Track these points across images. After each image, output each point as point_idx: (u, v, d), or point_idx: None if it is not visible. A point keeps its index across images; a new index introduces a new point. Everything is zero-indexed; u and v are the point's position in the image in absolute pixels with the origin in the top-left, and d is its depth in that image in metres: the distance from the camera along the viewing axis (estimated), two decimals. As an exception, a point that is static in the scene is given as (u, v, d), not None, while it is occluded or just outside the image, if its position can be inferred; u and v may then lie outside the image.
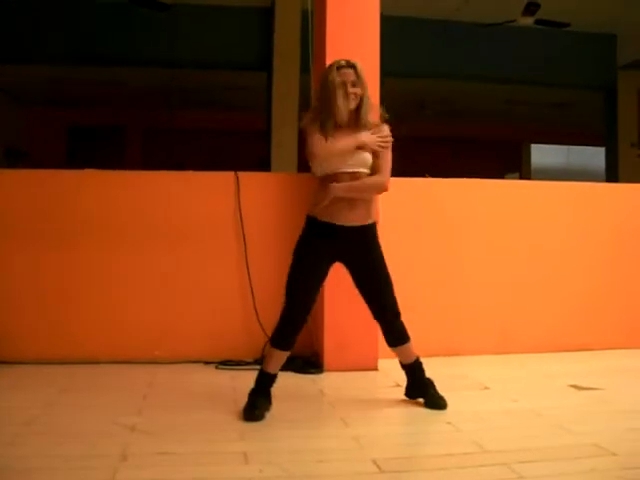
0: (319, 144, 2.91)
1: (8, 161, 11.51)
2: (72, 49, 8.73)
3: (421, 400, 3.15)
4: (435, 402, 3.09)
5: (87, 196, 4.08)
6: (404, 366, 3.19)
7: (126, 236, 4.08)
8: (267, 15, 8.99)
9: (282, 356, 3.01)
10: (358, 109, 2.97)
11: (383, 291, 3.06)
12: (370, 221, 3.03)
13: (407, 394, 3.23)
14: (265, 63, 9.12)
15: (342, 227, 2.97)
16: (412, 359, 3.16)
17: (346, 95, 2.93)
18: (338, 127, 2.95)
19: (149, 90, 12.06)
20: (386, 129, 3.05)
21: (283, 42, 8.65)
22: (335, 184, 2.93)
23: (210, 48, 9.00)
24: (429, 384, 3.16)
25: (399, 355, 3.19)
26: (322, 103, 2.98)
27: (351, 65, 2.97)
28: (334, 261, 3.05)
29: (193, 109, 12.95)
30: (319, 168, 2.98)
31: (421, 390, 3.17)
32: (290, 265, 3.01)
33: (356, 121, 2.98)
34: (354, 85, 2.95)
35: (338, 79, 2.93)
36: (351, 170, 2.95)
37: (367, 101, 2.99)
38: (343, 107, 2.93)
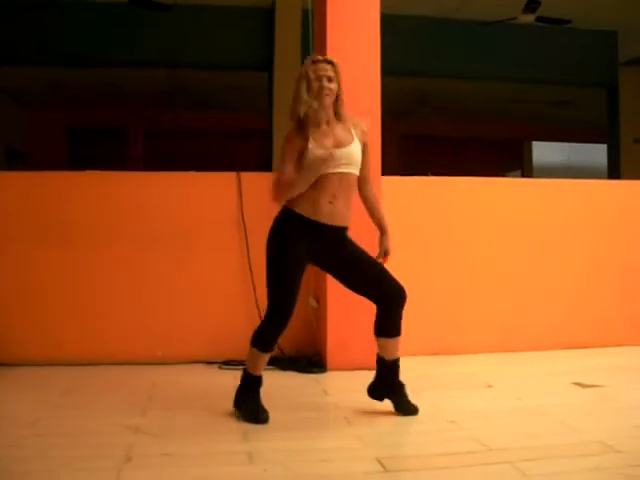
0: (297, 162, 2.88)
1: (9, 163, 11.52)
2: (73, 50, 8.72)
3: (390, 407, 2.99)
4: (407, 407, 2.96)
5: (88, 198, 4.09)
6: (382, 362, 2.98)
7: (127, 237, 4.08)
8: (268, 15, 8.99)
9: (266, 357, 2.94)
10: (333, 105, 2.90)
11: (375, 276, 2.92)
12: (349, 223, 2.96)
13: (371, 393, 3.04)
14: (266, 63, 9.11)
15: (326, 226, 2.86)
16: (395, 357, 2.97)
17: (320, 89, 2.84)
18: (316, 125, 2.88)
19: (150, 91, 12.06)
20: (364, 124, 2.99)
21: (284, 42, 8.64)
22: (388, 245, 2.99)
23: (211, 48, 8.99)
24: (400, 387, 2.99)
25: (382, 349, 2.96)
26: (296, 98, 2.88)
27: (329, 61, 2.90)
28: (310, 261, 2.94)
29: (194, 110, 12.95)
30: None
31: (388, 392, 3.00)
32: (271, 264, 2.86)
33: (333, 117, 2.92)
34: (330, 81, 2.86)
35: (313, 74, 2.85)
36: (337, 171, 2.84)
37: (342, 99, 2.91)
38: (317, 101, 2.84)
